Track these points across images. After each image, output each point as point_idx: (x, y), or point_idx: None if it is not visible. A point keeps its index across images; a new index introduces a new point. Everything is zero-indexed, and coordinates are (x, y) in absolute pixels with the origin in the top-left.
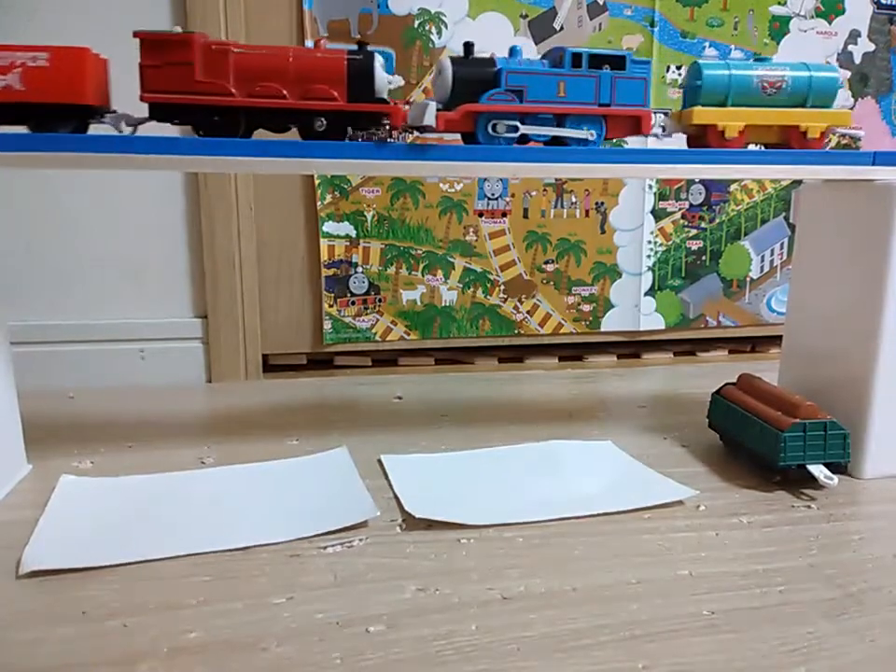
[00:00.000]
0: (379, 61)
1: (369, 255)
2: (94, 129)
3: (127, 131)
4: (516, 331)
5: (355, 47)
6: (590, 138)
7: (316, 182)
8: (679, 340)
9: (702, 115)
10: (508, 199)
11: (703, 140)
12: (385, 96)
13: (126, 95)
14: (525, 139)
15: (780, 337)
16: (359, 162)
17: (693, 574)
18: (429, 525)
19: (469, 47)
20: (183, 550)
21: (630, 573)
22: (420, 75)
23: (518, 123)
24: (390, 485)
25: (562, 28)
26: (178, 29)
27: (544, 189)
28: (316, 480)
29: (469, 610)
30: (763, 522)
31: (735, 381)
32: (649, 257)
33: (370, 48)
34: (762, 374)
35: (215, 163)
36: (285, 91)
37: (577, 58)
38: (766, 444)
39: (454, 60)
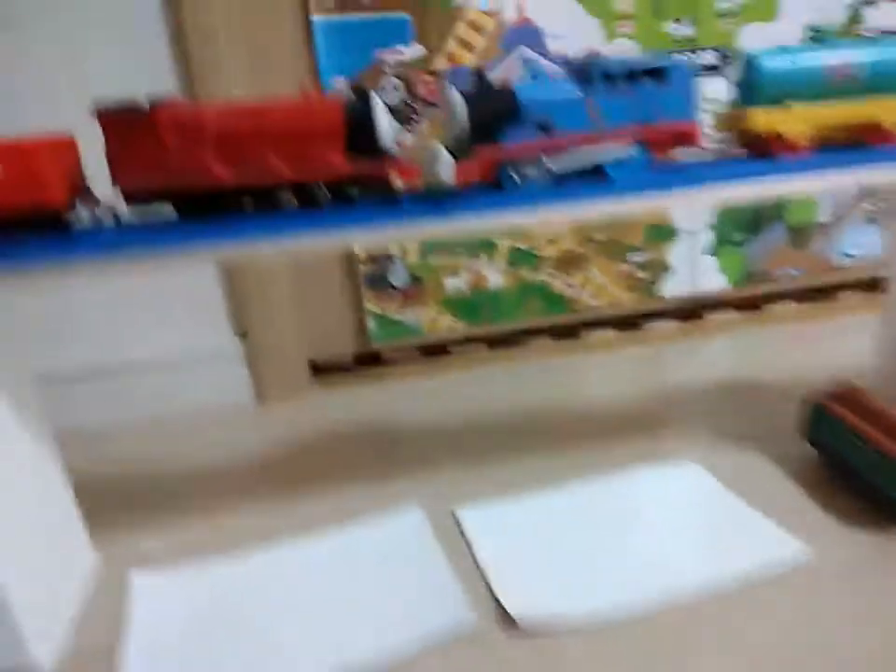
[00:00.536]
0: (380, 104)
1: (406, 245)
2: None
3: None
4: (569, 308)
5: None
6: (630, 152)
7: None
8: (743, 297)
9: (762, 119)
10: None
11: (764, 148)
12: (392, 147)
13: None
14: (558, 177)
15: (853, 284)
16: (373, 229)
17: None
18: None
19: (480, 74)
20: None
21: None
22: (440, 40)
23: (547, 164)
24: (473, 557)
25: None
26: (144, 101)
27: None
28: (395, 562)
29: None
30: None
31: (833, 388)
32: (707, 212)
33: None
34: (837, 336)
35: (205, 256)
36: (275, 160)
37: (610, 75)
38: (882, 475)
39: (464, 93)
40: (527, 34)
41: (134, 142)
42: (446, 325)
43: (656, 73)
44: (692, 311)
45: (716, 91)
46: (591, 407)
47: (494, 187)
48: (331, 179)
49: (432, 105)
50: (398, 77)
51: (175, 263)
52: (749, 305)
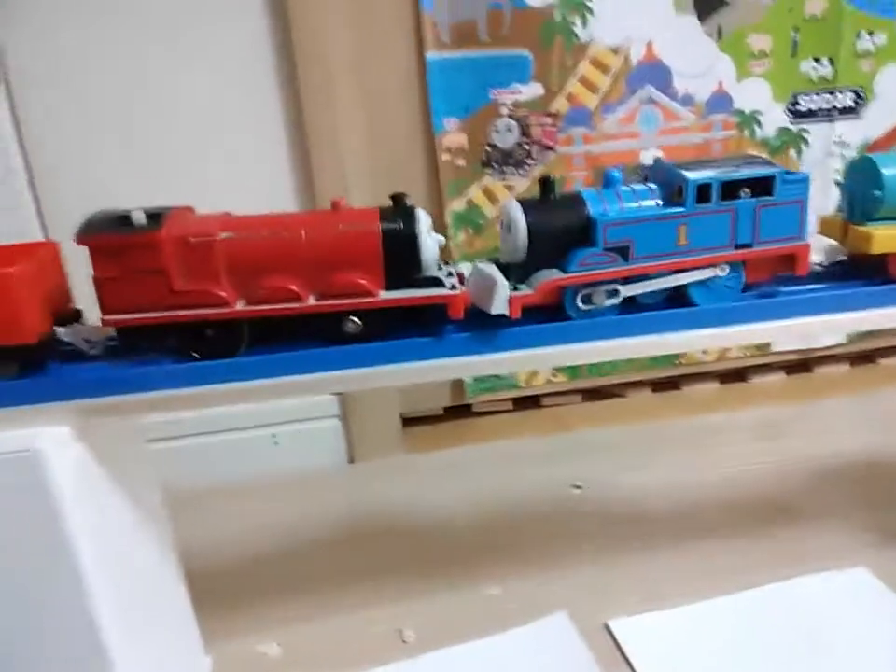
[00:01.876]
0: (425, 222)
1: None
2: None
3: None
4: (676, 361)
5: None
6: (720, 274)
7: (448, 220)
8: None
9: (885, 240)
10: None
11: (880, 269)
12: (436, 272)
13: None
14: (630, 301)
15: None
16: (411, 367)
17: None
18: None
19: (546, 183)
20: None
21: None
22: (562, 79)
23: (619, 287)
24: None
25: None
26: (141, 217)
27: None
28: None
29: None
30: None
31: None
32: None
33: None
34: None
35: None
36: (296, 288)
37: (703, 190)
38: None
39: (526, 205)
40: (655, 72)
41: (129, 267)
42: (544, 379)
43: (760, 184)
44: (800, 364)
45: (851, 134)
46: (722, 486)
47: (555, 313)
48: (364, 309)
49: (548, 148)
50: (513, 119)
51: (165, 406)
52: (863, 359)
